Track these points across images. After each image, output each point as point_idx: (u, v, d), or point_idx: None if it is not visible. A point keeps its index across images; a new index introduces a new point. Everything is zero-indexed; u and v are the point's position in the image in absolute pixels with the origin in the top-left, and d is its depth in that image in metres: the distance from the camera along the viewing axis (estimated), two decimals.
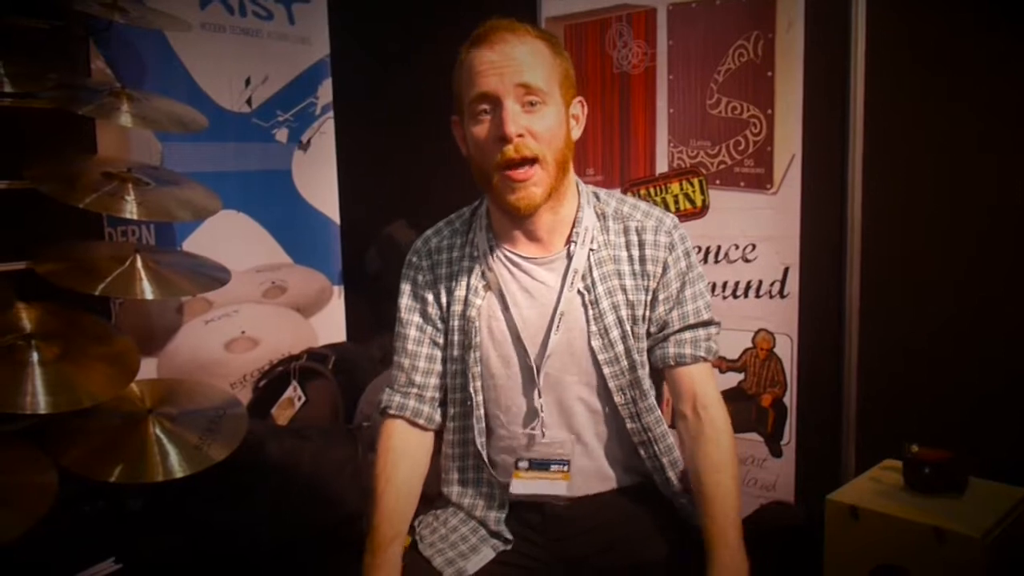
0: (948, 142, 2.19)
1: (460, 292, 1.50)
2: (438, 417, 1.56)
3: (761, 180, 2.45)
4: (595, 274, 1.45)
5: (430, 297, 1.53)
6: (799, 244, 2.40)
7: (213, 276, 2.51)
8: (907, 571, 1.84)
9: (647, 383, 1.48)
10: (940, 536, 1.77)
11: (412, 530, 1.54)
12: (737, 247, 2.49)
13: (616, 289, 1.45)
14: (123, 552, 2.32)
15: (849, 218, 2.30)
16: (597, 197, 1.52)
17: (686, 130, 2.56)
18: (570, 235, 1.46)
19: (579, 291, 1.45)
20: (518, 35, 1.37)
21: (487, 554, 1.51)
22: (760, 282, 2.47)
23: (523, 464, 1.49)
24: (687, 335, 1.47)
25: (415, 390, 1.54)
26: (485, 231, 1.50)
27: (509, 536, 1.53)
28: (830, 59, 2.30)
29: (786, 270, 2.42)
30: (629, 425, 1.48)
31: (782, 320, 2.45)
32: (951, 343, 2.20)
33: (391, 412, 1.54)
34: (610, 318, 1.44)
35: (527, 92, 1.35)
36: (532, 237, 1.47)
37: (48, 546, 2.10)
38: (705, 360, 1.48)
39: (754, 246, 2.46)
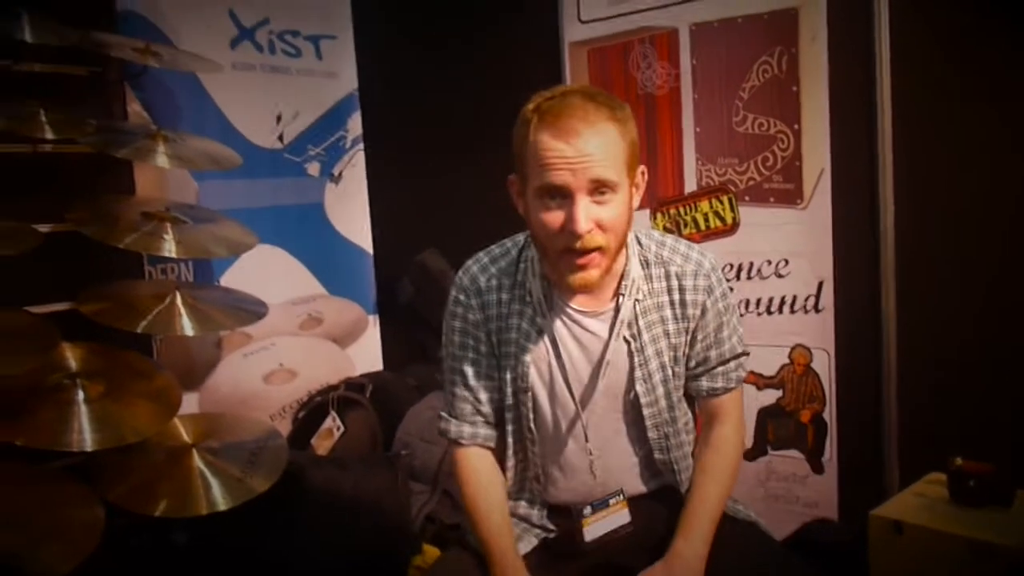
0: (978, 149, 2.17)
1: (512, 335, 1.55)
2: (496, 435, 1.63)
3: (791, 195, 2.44)
4: (640, 323, 1.51)
5: (482, 335, 1.58)
6: (832, 258, 2.39)
7: (251, 310, 2.55)
8: None
9: (681, 422, 1.58)
10: (988, 550, 1.74)
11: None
12: (769, 263, 2.48)
13: (660, 336, 1.53)
14: None
15: (882, 229, 2.29)
16: (640, 243, 1.55)
17: (713, 148, 2.57)
18: (618, 287, 1.51)
19: (625, 339, 1.51)
20: (590, 123, 1.33)
21: (531, 541, 1.61)
22: (794, 297, 2.45)
23: (587, 511, 1.56)
24: (720, 369, 1.57)
25: (482, 419, 1.61)
26: (540, 279, 1.53)
27: (552, 527, 1.62)
28: (855, 70, 2.30)
29: (820, 284, 2.41)
30: (657, 456, 1.58)
31: (818, 335, 2.43)
32: (992, 352, 2.17)
33: (464, 442, 1.60)
34: (654, 364, 1.53)
35: (600, 186, 1.34)
36: (585, 291, 1.50)
37: None
38: (734, 389, 1.59)
39: (786, 261, 2.45)
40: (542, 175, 1.35)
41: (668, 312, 1.53)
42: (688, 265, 1.53)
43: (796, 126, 2.41)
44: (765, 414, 2.55)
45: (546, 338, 1.53)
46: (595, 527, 1.56)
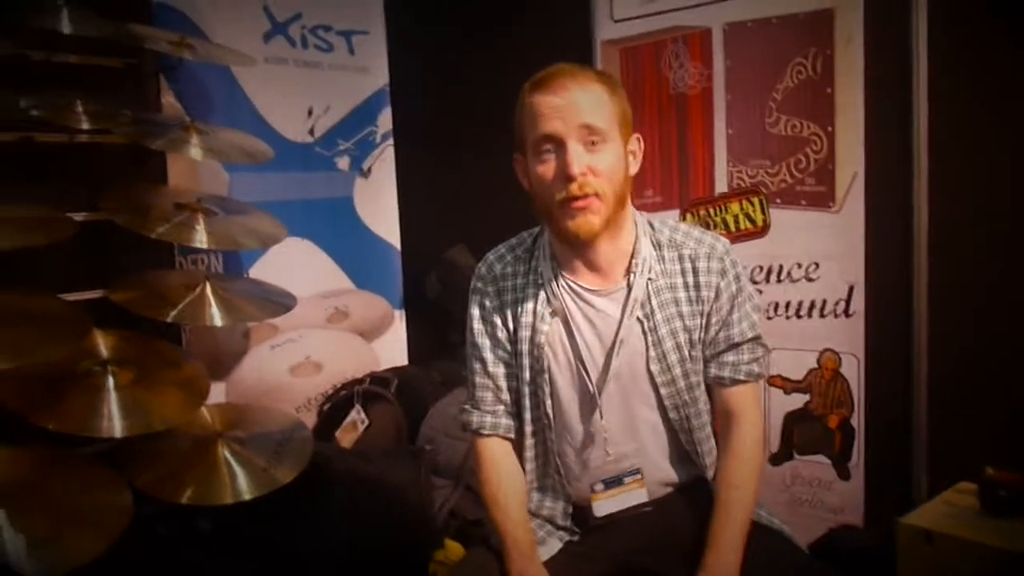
0: (1015, 155, 2.14)
1: (527, 318, 1.57)
2: (516, 426, 1.63)
3: (823, 198, 2.42)
4: (654, 302, 1.52)
5: (498, 321, 1.61)
6: (864, 262, 2.36)
7: (279, 302, 2.57)
8: None
9: (702, 402, 1.57)
10: (1020, 562, 1.71)
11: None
12: (800, 266, 2.46)
13: (674, 316, 1.52)
14: (194, 573, 2.36)
15: (915, 235, 2.26)
16: (652, 227, 1.58)
17: (745, 149, 2.55)
18: (629, 266, 1.53)
19: (639, 319, 1.52)
20: (579, 81, 1.44)
21: (554, 545, 1.59)
22: (824, 301, 2.43)
23: (599, 487, 1.57)
24: (730, 357, 1.55)
25: (502, 407, 1.62)
26: (550, 260, 1.57)
27: (576, 529, 1.60)
28: (891, 73, 2.27)
29: (851, 289, 2.38)
30: (681, 438, 1.57)
31: (848, 339, 2.41)
32: None
33: (486, 432, 1.62)
34: (669, 343, 1.52)
35: (589, 132, 1.42)
36: (593, 268, 1.54)
37: (124, 567, 2.15)
38: (744, 383, 1.55)
39: (817, 265, 2.43)
40: (536, 129, 1.44)
41: (682, 294, 1.53)
42: (701, 248, 1.54)
43: (830, 128, 2.39)
44: (791, 418, 2.53)
45: (559, 319, 1.55)
46: (606, 503, 1.56)
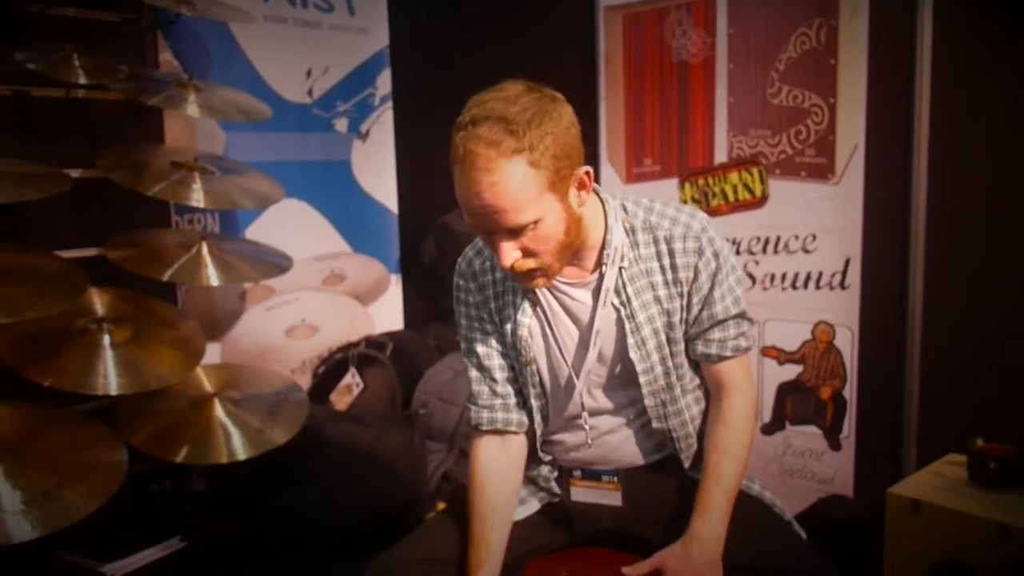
0: (1016, 132, 2.13)
1: (509, 312, 1.57)
2: (525, 419, 1.62)
3: (823, 170, 2.41)
4: (629, 290, 1.50)
5: (485, 315, 1.61)
6: (861, 235, 2.36)
7: (275, 263, 2.57)
8: (970, 567, 1.80)
9: (678, 389, 1.56)
10: (1005, 533, 1.74)
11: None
12: (797, 237, 2.46)
13: (651, 302, 1.51)
14: (188, 531, 2.38)
15: (913, 209, 2.26)
16: (625, 210, 1.54)
17: (746, 119, 2.54)
18: (600, 256, 1.51)
19: (614, 307, 1.51)
20: (492, 172, 1.30)
21: (533, 505, 1.64)
22: (820, 273, 2.44)
23: (577, 473, 1.61)
24: (716, 334, 1.53)
25: (499, 401, 1.61)
26: None
27: (557, 491, 1.64)
28: (895, 47, 2.26)
29: (847, 261, 2.39)
30: (655, 424, 1.56)
31: (843, 312, 2.42)
32: (1018, 336, 2.15)
33: (483, 428, 1.61)
34: (647, 330, 1.51)
35: (515, 231, 1.35)
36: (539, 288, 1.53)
37: (118, 522, 2.17)
38: (732, 358, 1.54)
39: (814, 237, 2.43)
40: (465, 214, 1.38)
41: (659, 278, 1.51)
42: (676, 228, 1.50)
43: (832, 100, 2.37)
44: (784, 389, 2.54)
45: (539, 311, 1.55)
46: (583, 492, 1.60)
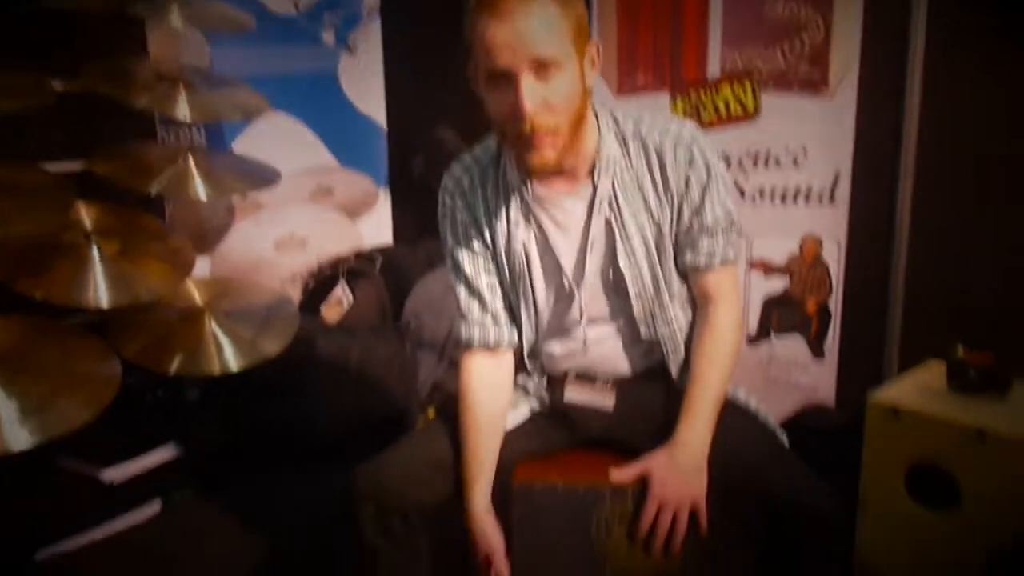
0: (1013, 47, 2.11)
1: (502, 226, 1.57)
2: (516, 336, 1.65)
3: (816, 85, 2.39)
4: (620, 200, 1.51)
5: (473, 232, 1.60)
6: (852, 150, 2.36)
7: (263, 176, 2.55)
8: (947, 471, 1.85)
9: (667, 299, 1.57)
10: (982, 437, 1.77)
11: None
12: (788, 151, 2.45)
13: (641, 211, 1.52)
14: (182, 438, 2.43)
15: (905, 124, 2.25)
16: (616, 121, 1.54)
17: (740, 32, 2.49)
18: (593, 165, 1.50)
19: (606, 217, 1.51)
20: (528, 3, 1.31)
21: (524, 412, 1.69)
22: (810, 188, 2.44)
23: (572, 377, 1.66)
24: (704, 243, 1.53)
25: (490, 317, 1.62)
26: (516, 168, 1.54)
27: (547, 399, 1.69)
28: None
29: (837, 175, 2.39)
30: (643, 332, 1.59)
31: (830, 226, 2.43)
32: (1002, 252, 2.17)
33: (475, 345, 1.62)
34: (636, 240, 1.52)
35: (541, 64, 1.33)
36: (545, 171, 1.49)
37: (112, 431, 2.21)
38: (720, 268, 1.55)
39: (805, 151, 2.43)
40: (486, 60, 1.35)
41: (649, 188, 1.51)
42: (667, 138, 1.50)
43: (828, 15, 2.34)
44: (771, 303, 2.57)
45: (533, 223, 1.55)
46: (575, 393, 1.64)
